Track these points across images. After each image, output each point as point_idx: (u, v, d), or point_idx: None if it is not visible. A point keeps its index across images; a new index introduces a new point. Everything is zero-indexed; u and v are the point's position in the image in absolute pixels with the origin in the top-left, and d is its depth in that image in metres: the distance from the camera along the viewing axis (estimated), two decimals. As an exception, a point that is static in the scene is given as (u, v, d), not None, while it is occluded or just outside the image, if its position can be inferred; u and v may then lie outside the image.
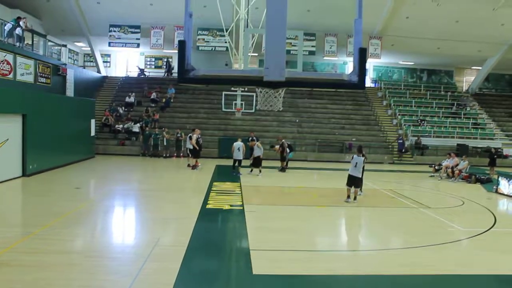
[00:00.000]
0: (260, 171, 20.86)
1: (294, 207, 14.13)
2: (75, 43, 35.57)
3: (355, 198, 14.87)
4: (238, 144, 20.70)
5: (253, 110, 25.60)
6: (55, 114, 20.14)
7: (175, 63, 37.71)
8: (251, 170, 21.31)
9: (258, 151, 20.97)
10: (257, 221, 11.87)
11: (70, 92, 27.75)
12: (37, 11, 29.62)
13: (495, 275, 8.45)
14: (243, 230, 10.88)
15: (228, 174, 20.70)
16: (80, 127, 23.51)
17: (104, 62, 37.09)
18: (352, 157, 15.16)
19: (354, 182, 14.80)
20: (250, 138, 24.32)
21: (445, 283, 7.96)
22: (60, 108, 21.07)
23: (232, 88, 24.50)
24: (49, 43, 27.18)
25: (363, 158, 14.93)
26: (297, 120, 32.25)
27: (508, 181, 17.88)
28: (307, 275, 7.94)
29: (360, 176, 14.95)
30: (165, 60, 38.16)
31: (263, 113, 30.09)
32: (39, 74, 23.81)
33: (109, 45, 32.87)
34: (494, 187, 18.82)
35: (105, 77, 36.17)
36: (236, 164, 20.79)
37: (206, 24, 30.97)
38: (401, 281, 7.93)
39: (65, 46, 30.05)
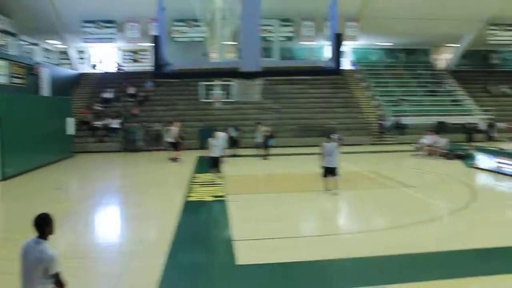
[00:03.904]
0: (218, 171, 16.29)
1: (277, 194, 14.18)
2: (49, 41, 34.82)
3: (335, 190, 13.50)
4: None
5: (232, 99, 25.48)
6: (31, 115, 19.70)
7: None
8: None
9: (214, 150, 15.98)
10: (240, 211, 11.85)
11: (46, 91, 27.23)
12: (7, 10, 28.80)
13: (476, 249, 8.59)
14: (227, 221, 10.86)
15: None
16: (57, 126, 23.07)
17: (79, 59, 36.39)
18: (324, 146, 13.42)
19: (331, 172, 13.41)
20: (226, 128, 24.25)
21: (429, 260, 8.06)
22: (36, 108, 20.65)
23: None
24: (22, 42, 26.58)
25: (335, 144, 13.53)
26: (277, 107, 32.20)
27: (486, 155, 18.16)
28: (293, 262, 7.97)
29: (336, 165, 13.35)
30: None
31: (243, 101, 29.97)
32: (13, 74, 23.30)
33: (84, 42, 32.28)
34: (473, 162, 19.10)
35: (81, 74, 35.53)
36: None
37: (182, 15, 30.55)
38: (387, 262, 8.01)
39: (37, 45, 29.45)
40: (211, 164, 16.20)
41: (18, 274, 4.48)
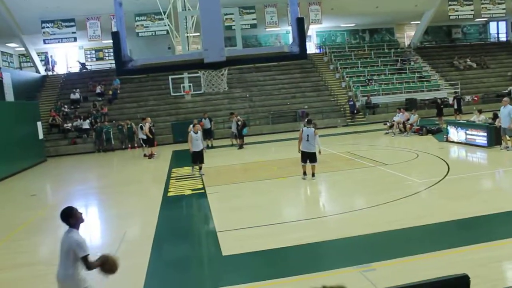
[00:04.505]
0: (200, 168, 16.02)
1: (255, 182, 14.18)
2: (7, 45, 33.83)
3: (313, 175, 13.48)
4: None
5: (202, 91, 25.30)
6: (-3, 122, 19.21)
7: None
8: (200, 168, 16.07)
9: (197, 144, 15.70)
10: (220, 202, 11.86)
11: (9, 96, 26.48)
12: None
13: (456, 220, 8.77)
14: (208, 213, 10.86)
15: (185, 159, 20.43)
16: (26, 131, 22.49)
17: (41, 60, 35.47)
18: (302, 130, 13.39)
19: (310, 157, 13.31)
20: (201, 119, 24.09)
21: (410, 235, 8.22)
22: (0, 114, 20.10)
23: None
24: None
25: (313, 129, 13.29)
26: (247, 95, 32.17)
27: (456, 128, 18.53)
28: (277, 248, 7.99)
29: (315, 150, 13.24)
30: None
31: (213, 92, 29.70)
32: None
33: (44, 43, 31.37)
34: (444, 136, 19.47)
35: (45, 76, 34.71)
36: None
37: (143, 9, 30.07)
38: (368, 240, 8.11)
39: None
40: (194, 159, 15.85)
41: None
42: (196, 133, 15.68)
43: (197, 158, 15.78)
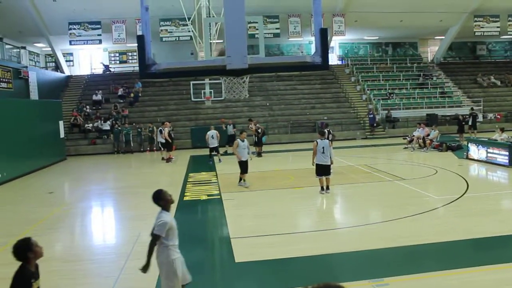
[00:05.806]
0: (243, 179, 14.94)
1: (271, 191, 14.15)
2: (35, 44, 34.54)
3: (328, 188, 13.20)
4: (212, 132, 20.58)
5: (222, 98, 25.46)
6: (20, 119, 19.55)
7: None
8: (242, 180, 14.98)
9: (244, 153, 14.67)
10: (235, 209, 11.88)
11: (34, 95, 27.04)
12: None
13: (471, 239, 8.66)
14: (223, 219, 10.88)
15: (203, 164, 20.60)
16: (48, 130, 22.90)
17: (67, 61, 36.15)
18: (316, 143, 12.97)
19: (325, 170, 13.05)
20: (226, 125, 24.12)
21: (425, 252, 8.11)
22: (25, 112, 20.50)
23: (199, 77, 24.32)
24: (7, 46, 26.31)
25: (328, 141, 13.20)
26: (267, 104, 32.23)
27: (477, 146, 18.28)
28: (290, 258, 7.98)
29: (330, 163, 13.06)
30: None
31: (233, 99, 29.83)
32: (-1, 79, 23.13)
33: (70, 44, 31.99)
34: (465, 153, 19.23)
35: (69, 77, 35.32)
36: (213, 152, 20.64)
37: (168, 15, 30.41)
38: (382, 254, 8.05)
39: (24, 48, 29.16)
40: (244, 169, 14.72)
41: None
42: (243, 141, 14.62)
43: (244, 168, 14.73)
